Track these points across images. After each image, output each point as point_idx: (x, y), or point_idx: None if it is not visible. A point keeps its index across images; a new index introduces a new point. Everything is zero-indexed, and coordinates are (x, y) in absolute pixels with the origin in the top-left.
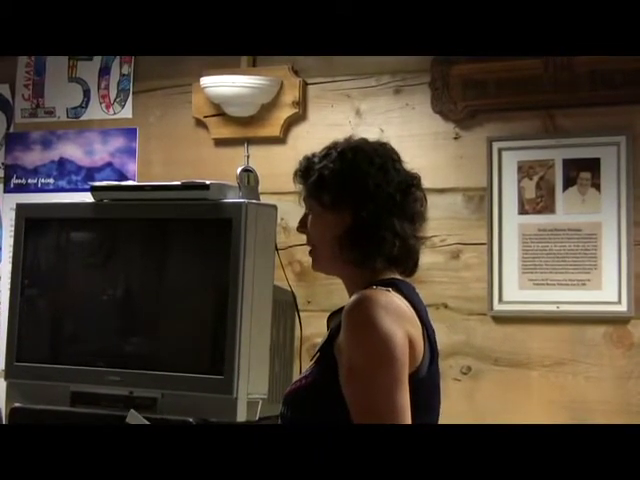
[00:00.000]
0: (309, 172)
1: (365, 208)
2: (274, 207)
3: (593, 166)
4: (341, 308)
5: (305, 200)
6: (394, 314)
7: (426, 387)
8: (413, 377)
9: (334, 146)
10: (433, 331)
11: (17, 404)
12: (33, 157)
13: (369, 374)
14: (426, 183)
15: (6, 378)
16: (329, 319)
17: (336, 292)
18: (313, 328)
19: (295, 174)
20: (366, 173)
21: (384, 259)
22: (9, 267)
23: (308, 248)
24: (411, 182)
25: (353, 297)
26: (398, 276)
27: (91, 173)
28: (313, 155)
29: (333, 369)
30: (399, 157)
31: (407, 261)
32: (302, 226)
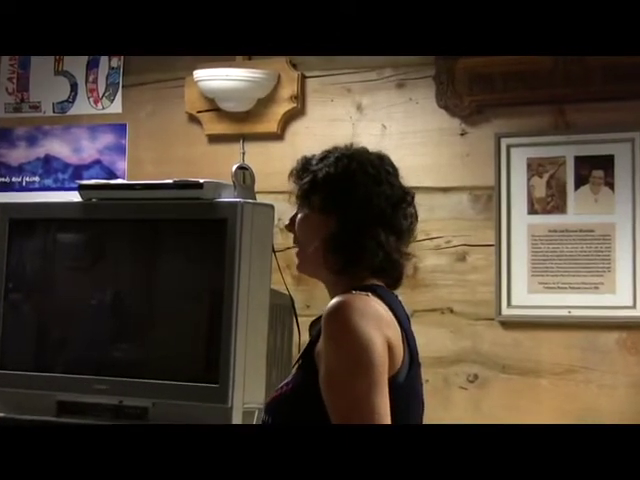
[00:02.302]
0: (304, 172)
1: (352, 215)
2: (271, 207)
3: (606, 164)
4: (322, 315)
5: (296, 200)
6: (372, 318)
7: (405, 393)
8: (392, 381)
9: (333, 150)
10: (414, 338)
11: (0, 414)
12: (17, 154)
13: (347, 379)
14: (430, 182)
15: None
16: (311, 326)
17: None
18: None
19: (291, 173)
20: (358, 181)
21: (366, 269)
22: None
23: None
24: (403, 197)
25: (331, 302)
26: (380, 283)
27: (79, 171)
28: (312, 157)
29: (313, 375)
30: (396, 171)
31: (390, 274)
32: (291, 224)
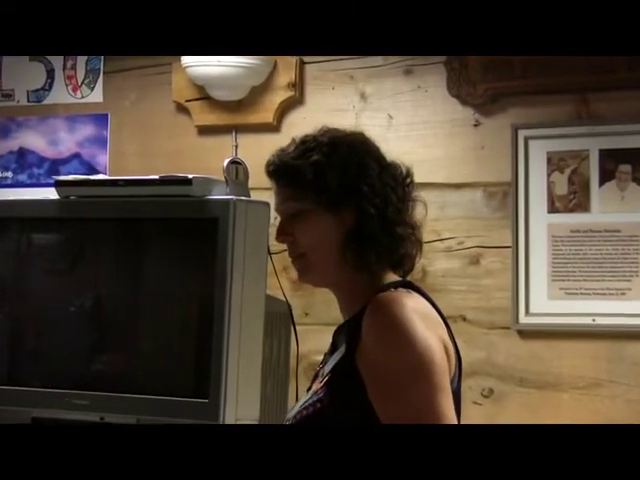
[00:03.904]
0: (293, 170)
1: (372, 204)
2: (266, 204)
3: (634, 157)
4: (347, 321)
5: (287, 202)
6: (424, 317)
7: (456, 404)
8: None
9: (313, 139)
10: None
11: None
12: None
13: (408, 382)
14: (441, 177)
15: None
16: (336, 334)
17: (337, 303)
18: (311, 344)
19: (272, 174)
20: (365, 165)
21: (386, 263)
22: None
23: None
24: (407, 173)
25: (375, 301)
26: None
27: (56, 166)
28: (286, 151)
29: (358, 385)
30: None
31: (411, 260)
32: (285, 233)
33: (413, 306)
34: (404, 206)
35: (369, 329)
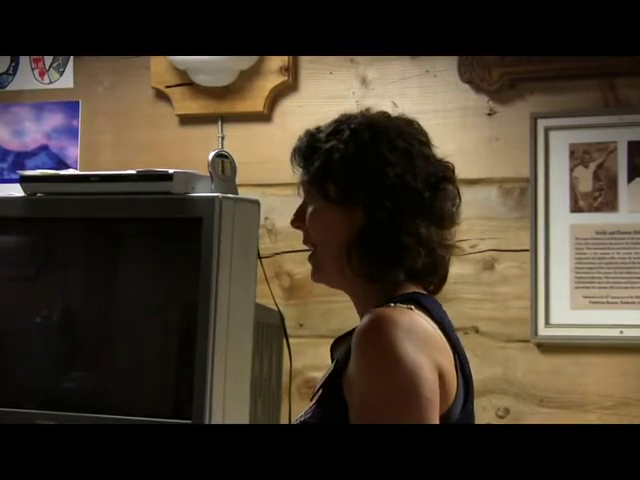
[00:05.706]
0: (313, 152)
1: (382, 206)
2: (256, 203)
3: None
4: (348, 333)
5: (304, 186)
6: (419, 340)
7: None
8: (444, 419)
9: (346, 120)
10: (467, 360)
11: None
12: None
13: (389, 414)
14: None
15: None
16: (333, 347)
17: (335, 313)
18: (306, 358)
19: (294, 153)
20: (386, 160)
21: (404, 272)
22: None
23: (301, 255)
24: (443, 174)
25: (366, 317)
26: (421, 290)
27: (20, 159)
28: (318, 130)
29: (342, 410)
30: (428, 140)
31: (433, 275)
32: (298, 219)
33: (407, 326)
34: (428, 213)
35: (354, 350)
